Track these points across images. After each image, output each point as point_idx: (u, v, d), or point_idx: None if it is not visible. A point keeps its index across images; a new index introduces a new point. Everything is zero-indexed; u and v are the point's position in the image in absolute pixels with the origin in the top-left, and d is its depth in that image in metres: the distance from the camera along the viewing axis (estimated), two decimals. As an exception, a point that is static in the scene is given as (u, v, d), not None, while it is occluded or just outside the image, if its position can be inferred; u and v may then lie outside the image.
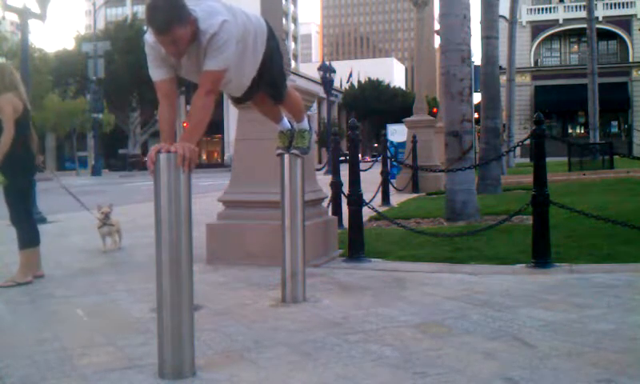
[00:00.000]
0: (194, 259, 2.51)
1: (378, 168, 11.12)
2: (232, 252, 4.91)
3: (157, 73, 2.68)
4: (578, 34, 45.09)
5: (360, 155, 5.70)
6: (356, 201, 5.05)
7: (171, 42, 2.50)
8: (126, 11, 75.74)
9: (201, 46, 2.59)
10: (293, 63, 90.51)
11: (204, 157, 59.65)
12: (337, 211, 6.84)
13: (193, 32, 2.55)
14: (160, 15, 2.46)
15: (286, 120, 3.50)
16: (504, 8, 19.08)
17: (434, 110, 23.81)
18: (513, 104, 23.35)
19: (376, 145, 55.53)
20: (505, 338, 2.80)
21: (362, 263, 4.83)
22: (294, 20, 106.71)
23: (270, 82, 3.13)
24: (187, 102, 50.19)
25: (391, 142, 15.97)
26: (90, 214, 6.01)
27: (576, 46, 47.42)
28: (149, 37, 2.64)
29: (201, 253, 4.89)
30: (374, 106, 71.41)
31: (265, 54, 2.99)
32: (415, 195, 12.22)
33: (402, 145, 16.16)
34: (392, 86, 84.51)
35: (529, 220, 5.17)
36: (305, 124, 3.54)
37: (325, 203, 5.90)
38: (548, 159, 4.59)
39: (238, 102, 3.31)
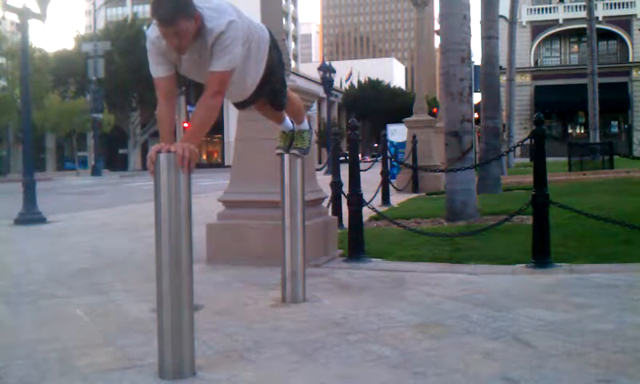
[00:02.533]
0: (193, 259, 2.51)
1: (377, 168, 11.12)
2: (232, 252, 4.91)
3: (157, 69, 2.67)
4: (578, 34, 45.08)
5: (360, 155, 5.69)
6: (356, 201, 5.05)
7: (175, 34, 2.47)
8: (126, 11, 75.73)
9: (206, 44, 2.58)
10: (293, 63, 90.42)
11: (204, 157, 59.67)
12: (337, 211, 6.84)
13: (197, 27, 2.54)
14: (166, 5, 2.43)
15: (288, 120, 3.50)
16: (504, 8, 19.06)
17: (434, 109, 23.82)
18: (513, 104, 23.35)
19: (376, 145, 55.55)
20: (505, 338, 2.80)
21: (362, 263, 4.83)
22: (294, 20, 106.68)
23: (270, 93, 3.12)
24: (187, 102, 50.23)
25: (391, 142, 15.98)
26: None
27: (576, 46, 47.42)
28: (151, 32, 2.62)
29: (201, 253, 4.89)
30: (374, 105, 71.42)
31: (267, 65, 2.96)
32: (415, 195, 12.22)
33: (402, 145, 16.16)
34: (392, 86, 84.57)
35: (529, 220, 5.17)
36: (305, 125, 3.54)
37: (325, 203, 5.90)
38: (548, 159, 4.59)
39: (239, 106, 3.30)
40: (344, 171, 6.35)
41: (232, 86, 2.80)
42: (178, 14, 2.44)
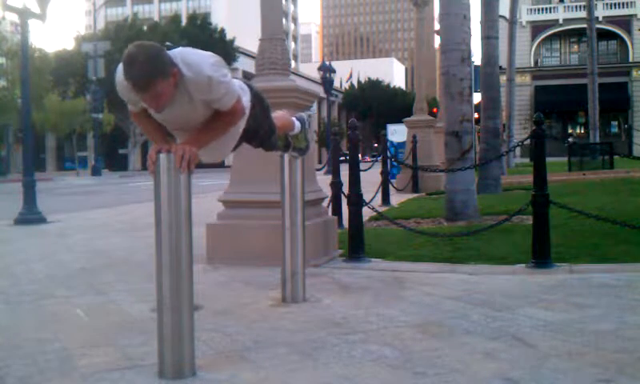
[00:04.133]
0: (193, 259, 2.51)
1: (377, 168, 11.12)
2: (232, 252, 4.91)
3: (129, 105, 2.54)
4: (578, 34, 45.10)
5: (360, 155, 5.70)
6: (356, 201, 5.05)
7: (153, 97, 2.27)
8: (126, 11, 75.73)
9: (190, 94, 2.37)
10: (293, 63, 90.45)
11: (204, 157, 59.63)
12: (337, 211, 6.84)
13: (175, 82, 2.31)
14: (140, 68, 2.19)
15: None
16: (504, 8, 19.08)
17: (434, 109, 23.84)
18: (513, 104, 23.35)
19: (376, 145, 55.57)
20: (505, 338, 2.80)
21: (362, 263, 4.83)
22: (294, 20, 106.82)
23: (260, 143, 3.05)
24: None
25: (391, 142, 15.97)
26: None
27: (576, 46, 47.42)
28: (119, 74, 2.35)
29: (201, 253, 4.89)
30: (374, 105, 71.47)
31: (251, 120, 2.80)
32: (415, 195, 12.22)
33: (401, 145, 16.16)
34: (392, 86, 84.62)
35: (529, 220, 5.17)
36: (296, 129, 3.43)
37: (325, 203, 5.90)
38: (548, 159, 4.59)
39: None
40: (344, 171, 6.35)
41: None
42: (154, 78, 2.20)
